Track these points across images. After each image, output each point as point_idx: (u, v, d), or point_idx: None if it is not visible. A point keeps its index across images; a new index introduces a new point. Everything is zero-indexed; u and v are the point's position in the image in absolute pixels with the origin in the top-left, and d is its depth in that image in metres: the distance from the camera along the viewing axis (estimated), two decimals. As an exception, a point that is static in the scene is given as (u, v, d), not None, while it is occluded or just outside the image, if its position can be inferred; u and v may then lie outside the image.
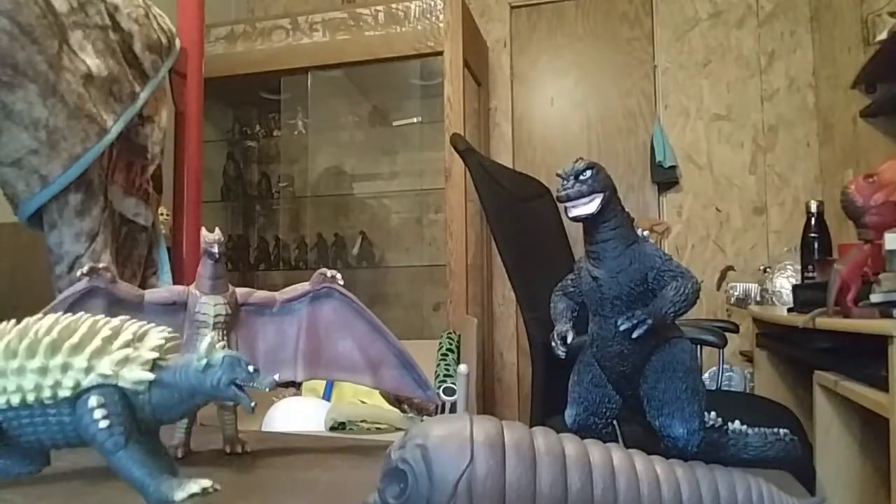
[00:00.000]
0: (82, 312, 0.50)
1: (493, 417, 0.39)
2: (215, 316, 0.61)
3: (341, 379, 0.69)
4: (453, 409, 1.78)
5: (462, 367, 1.78)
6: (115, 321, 0.49)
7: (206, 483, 0.46)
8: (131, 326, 0.49)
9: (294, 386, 1.96)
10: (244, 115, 3.23)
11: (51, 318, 0.48)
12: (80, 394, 0.46)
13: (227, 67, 2.65)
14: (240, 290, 0.65)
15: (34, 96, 1.05)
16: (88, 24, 1.19)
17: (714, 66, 2.84)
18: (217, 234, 0.61)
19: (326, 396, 1.93)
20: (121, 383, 0.46)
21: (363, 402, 1.81)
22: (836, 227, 1.78)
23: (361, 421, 1.67)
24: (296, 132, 2.99)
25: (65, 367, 0.45)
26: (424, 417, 1.49)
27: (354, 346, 0.67)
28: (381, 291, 2.98)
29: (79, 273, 0.59)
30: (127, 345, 0.47)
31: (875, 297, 1.07)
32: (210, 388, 0.46)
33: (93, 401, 0.45)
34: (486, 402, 2.77)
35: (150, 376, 0.46)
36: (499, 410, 2.90)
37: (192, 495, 0.45)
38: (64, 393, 0.45)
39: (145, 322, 0.50)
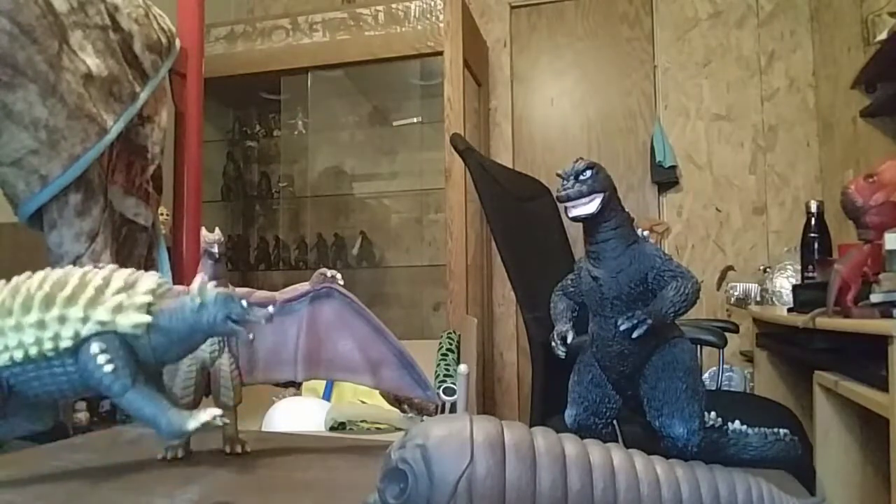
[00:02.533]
0: (70, 266, 0.51)
1: (493, 417, 0.39)
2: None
3: (341, 379, 0.69)
4: (453, 409, 1.78)
5: (462, 367, 1.78)
6: (104, 271, 0.50)
7: (217, 411, 0.48)
8: (121, 273, 0.50)
9: (294, 386, 1.96)
10: (244, 115, 3.23)
11: (40, 274, 0.50)
12: (80, 343, 0.47)
13: (227, 67, 2.65)
14: (240, 290, 0.65)
15: (34, 96, 1.06)
16: (88, 24, 1.19)
17: (714, 66, 2.84)
18: (217, 234, 0.61)
19: (326, 396, 1.93)
20: (119, 329, 0.47)
21: (363, 402, 1.81)
22: (836, 227, 1.78)
23: (361, 421, 1.67)
24: (296, 132, 2.99)
25: (62, 319, 0.47)
26: (424, 417, 1.49)
27: (354, 346, 0.67)
28: (381, 291, 2.98)
29: (79, 273, 0.59)
30: (120, 291, 0.48)
31: (875, 297, 1.07)
32: (206, 325, 0.48)
33: (94, 347, 0.46)
34: (486, 402, 2.77)
35: (147, 318, 0.47)
36: (499, 410, 2.90)
37: (205, 424, 0.47)
38: (65, 343, 0.47)
39: (134, 270, 0.51)
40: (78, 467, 0.56)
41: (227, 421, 0.50)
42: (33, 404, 0.50)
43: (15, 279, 0.50)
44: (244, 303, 0.48)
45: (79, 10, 1.17)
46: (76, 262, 1.10)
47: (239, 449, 0.63)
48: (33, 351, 0.47)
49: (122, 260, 1.28)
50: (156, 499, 0.48)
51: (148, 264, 1.40)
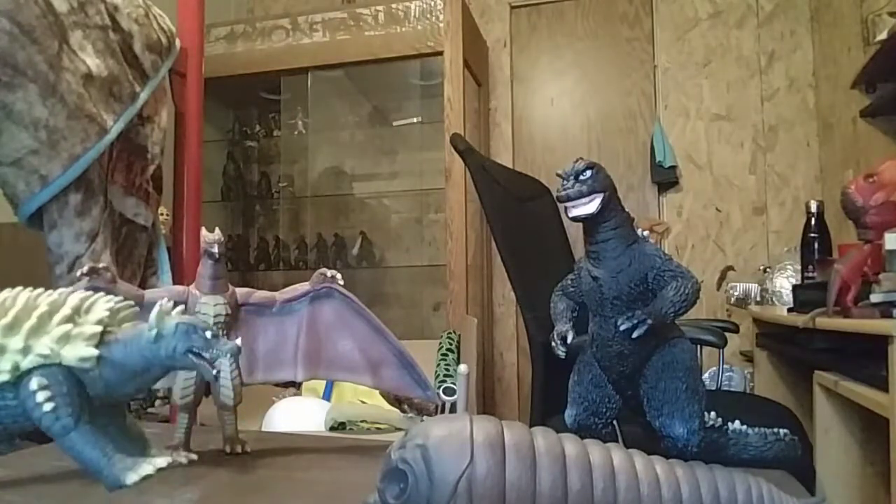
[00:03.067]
0: (20, 287, 0.47)
1: (493, 417, 0.39)
2: (215, 316, 0.60)
3: (341, 379, 0.69)
4: (453, 409, 1.78)
5: (462, 367, 1.77)
6: (55, 294, 0.46)
7: (163, 463, 0.44)
8: (73, 298, 0.46)
9: (294, 386, 1.97)
10: (244, 115, 3.23)
11: None
12: (21, 376, 0.43)
13: (227, 67, 2.65)
14: (240, 290, 0.65)
15: (34, 96, 1.06)
16: (88, 24, 1.19)
17: (714, 66, 2.84)
18: (217, 234, 0.61)
19: (326, 396, 1.93)
20: (64, 362, 0.43)
21: (363, 402, 1.81)
22: (836, 227, 1.78)
23: (361, 421, 1.67)
24: (296, 132, 2.99)
25: (0, 350, 0.43)
26: (424, 417, 1.49)
27: (354, 346, 0.67)
28: (381, 291, 2.98)
29: (79, 273, 0.59)
30: (68, 319, 0.44)
31: (875, 297, 1.07)
32: (165, 358, 0.44)
33: (34, 383, 0.42)
34: (486, 402, 2.77)
35: (94, 352, 0.43)
36: (499, 410, 2.90)
37: (146, 477, 0.43)
38: (2, 377, 0.43)
39: (91, 293, 0.47)
40: (78, 467, 0.56)
41: (183, 461, 0.47)
42: None
43: None
44: (208, 334, 0.44)
45: (79, 10, 1.17)
46: (76, 262, 1.10)
47: (239, 449, 0.63)
48: None
49: (122, 260, 1.28)
50: (156, 499, 0.48)
51: (148, 264, 1.40)
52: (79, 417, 0.43)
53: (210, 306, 0.61)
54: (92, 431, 0.43)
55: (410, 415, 1.69)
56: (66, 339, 0.43)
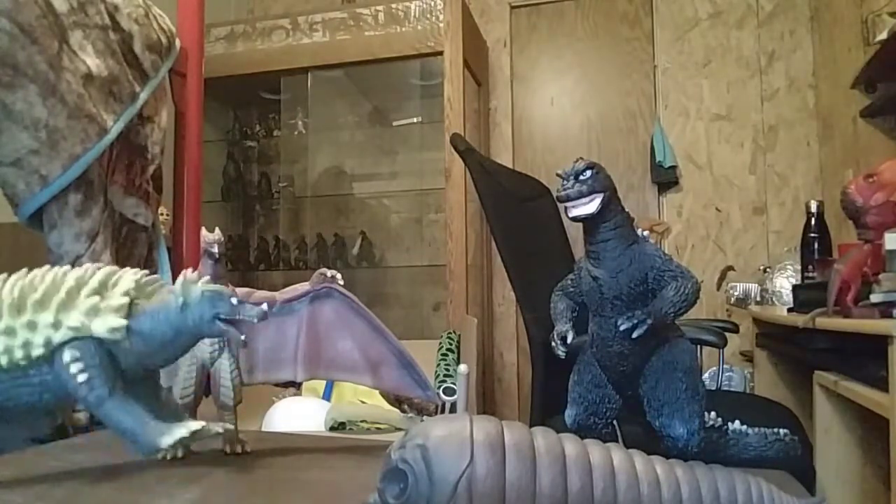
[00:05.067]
0: (47, 266, 0.47)
1: (493, 417, 0.39)
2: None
3: (341, 379, 0.69)
4: (453, 409, 1.78)
5: (462, 367, 1.77)
6: (81, 270, 0.46)
7: (196, 426, 0.45)
8: (99, 273, 0.46)
9: (294, 386, 1.96)
10: (244, 115, 3.23)
11: (14, 276, 0.46)
12: (54, 350, 0.44)
13: (227, 67, 2.65)
14: (240, 290, 0.65)
15: (34, 96, 1.05)
16: (88, 24, 1.19)
17: (714, 66, 2.84)
18: (217, 234, 0.61)
19: (326, 396, 1.93)
20: (95, 333, 0.44)
21: (363, 402, 1.81)
22: (836, 227, 1.78)
23: (361, 421, 1.67)
24: (296, 132, 2.99)
25: (31, 325, 0.44)
26: (424, 417, 1.49)
27: (354, 346, 0.67)
28: (381, 291, 2.98)
29: (79, 273, 0.59)
30: (95, 293, 0.45)
31: (875, 297, 1.07)
32: (192, 326, 0.44)
33: (67, 355, 0.43)
34: (486, 402, 2.77)
35: (123, 322, 0.44)
36: (499, 410, 2.90)
37: (181, 439, 0.44)
38: (37, 351, 0.44)
39: (117, 268, 0.48)
40: (78, 467, 0.56)
41: (220, 430, 0.46)
42: (25, 413, 0.47)
43: None
44: (234, 300, 0.44)
45: (79, 10, 1.17)
46: (76, 262, 1.10)
47: (239, 449, 0.63)
48: (4, 360, 0.44)
49: (122, 260, 1.28)
50: (156, 499, 0.48)
51: (148, 264, 1.40)
52: (112, 387, 0.44)
53: (210, 306, 0.60)
54: (126, 400, 0.44)
55: (410, 415, 1.69)
56: (94, 311, 0.44)
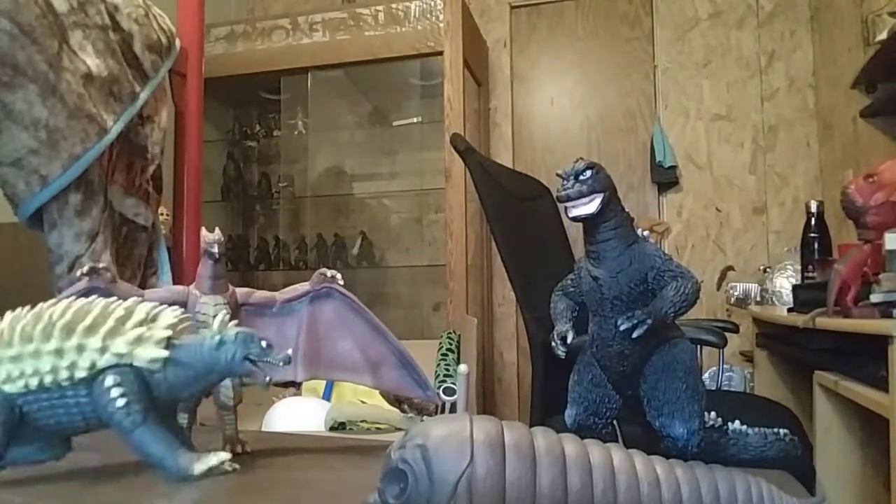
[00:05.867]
0: (95, 296, 0.50)
1: (493, 417, 0.39)
2: (215, 316, 0.60)
3: (341, 379, 0.69)
4: (453, 409, 1.78)
5: (462, 367, 1.77)
6: (128, 302, 0.50)
7: (226, 455, 0.48)
8: (143, 307, 0.50)
9: (294, 386, 1.96)
10: (244, 115, 3.23)
11: (64, 302, 0.49)
12: (96, 374, 0.46)
13: (227, 67, 2.65)
14: (240, 290, 0.65)
15: (34, 96, 1.06)
16: (88, 24, 1.19)
17: (714, 66, 2.84)
18: (217, 234, 0.61)
19: (326, 396, 1.93)
20: (136, 362, 0.46)
21: (363, 402, 1.81)
22: (836, 227, 1.78)
23: (361, 421, 1.67)
24: (296, 132, 2.99)
25: (80, 349, 0.46)
26: (424, 417, 1.49)
27: (354, 346, 0.67)
28: (381, 291, 2.99)
29: (79, 273, 0.59)
30: (140, 324, 0.48)
31: (875, 297, 1.07)
32: (225, 364, 0.47)
33: (109, 380, 0.46)
34: (486, 402, 2.77)
35: (165, 353, 0.47)
36: (499, 410, 2.90)
37: (211, 468, 0.47)
38: (80, 374, 0.46)
39: (158, 304, 0.51)
40: (78, 467, 0.56)
41: (237, 466, 0.50)
42: (46, 434, 0.49)
43: (40, 305, 0.49)
44: (264, 343, 0.48)
45: (79, 10, 1.17)
46: (76, 261, 1.10)
47: (239, 449, 0.63)
48: (48, 379, 0.46)
49: (122, 260, 1.28)
50: (156, 499, 0.48)
51: (148, 264, 1.40)
52: (147, 414, 0.46)
53: (210, 306, 0.61)
54: (159, 427, 0.47)
55: (410, 415, 1.69)
56: (139, 341, 0.47)
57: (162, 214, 1.59)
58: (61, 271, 1.11)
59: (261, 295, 0.66)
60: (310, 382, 1.89)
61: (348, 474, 0.58)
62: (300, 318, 0.66)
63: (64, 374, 0.46)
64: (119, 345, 0.46)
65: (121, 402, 0.45)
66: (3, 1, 1.01)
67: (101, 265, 0.59)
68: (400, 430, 1.61)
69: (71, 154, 1.10)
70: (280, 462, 0.62)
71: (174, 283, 1.41)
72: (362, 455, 0.65)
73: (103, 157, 1.20)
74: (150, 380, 0.47)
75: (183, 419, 0.61)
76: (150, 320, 0.49)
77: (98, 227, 1.17)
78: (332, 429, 1.65)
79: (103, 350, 0.46)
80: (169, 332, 0.48)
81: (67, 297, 0.59)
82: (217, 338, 0.47)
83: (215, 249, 0.60)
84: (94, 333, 0.47)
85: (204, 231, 0.61)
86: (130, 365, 0.46)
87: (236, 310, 0.64)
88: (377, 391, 1.72)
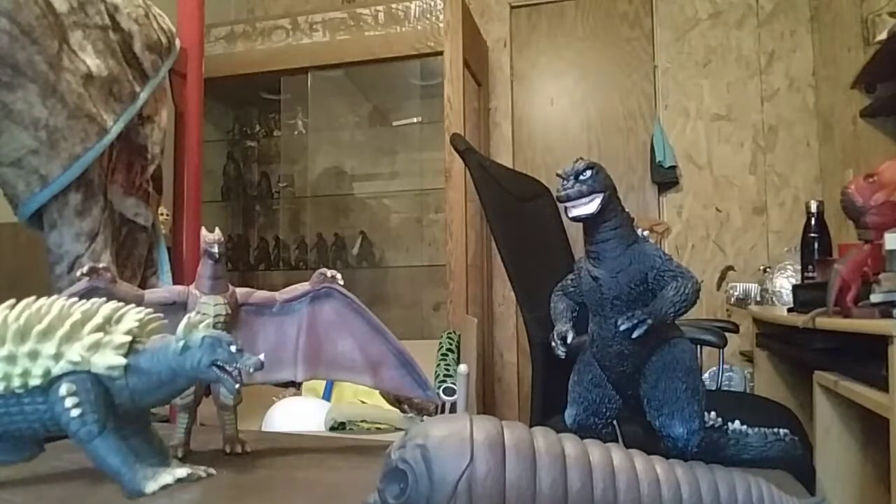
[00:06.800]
0: (56, 296, 0.48)
1: (493, 417, 0.39)
2: (215, 316, 0.61)
3: (341, 379, 0.69)
4: (453, 409, 1.78)
5: (462, 367, 1.78)
6: (88, 304, 0.47)
7: (183, 473, 0.45)
8: (105, 309, 0.47)
9: (294, 386, 1.96)
10: (244, 115, 3.23)
11: (22, 303, 0.47)
12: (51, 381, 0.44)
13: (227, 67, 2.65)
14: (240, 290, 0.65)
15: (34, 96, 1.05)
16: (88, 24, 1.19)
17: (714, 66, 2.84)
18: (217, 234, 0.61)
19: (326, 396, 1.93)
20: (93, 369, 0.44)
21: (363, 402, 1.81)
22: (836, 227, 1.78)
23: (361, 421, 1.67)
24: (296, 132, 2.99)
25: (33, 355, 0.44)
26: (424, 417, 1.49)
27: (354, 346, 0.67)
28: (381, 291, 2.98)
29: (79, 273, 0.59)
30: (99, 329, 0.45)
31: (875, 297, 1.07)
32: (190, 369, 0.45)
33: (63, 389, 0.44)
34: (486, 402, 2.76)
35: (123, 361, 0.44)
36: (499, 410, 2.90)
37: (165, 486, 0.44)
38: (34, 381, 0.44)
39: (122, 304, 0.48)
40: (78, 467, 0.56)
41: (202, 474, 0.47)
42: (15, 440, 0.47)
43: (1, 307, 0.47)
44: (233, 347, 0.45)
45: (79, 10, 1.17)
46: (76, 261, 1.10)
47: (239, 449, 0.63)
48: (1, 387, 0.44)
49: (122, 260, 1.28)
50: (156, 499, 0.48)
51: (148, 264, 1.40)
52: (104, 425, 0.44)
53: (210, 306, 0.61)
54: (115, 439, 0.44)
55: (410, 415, 1.69)
56: (96, 347, 0.44)
57: (162, 214, 1.59)
58: (61, 271, 1.11)
59: (261, 295, 0.66)
60: (310, 382, 1.89)
61: (348, 474, 0.58)
62: (300, 318, 0.66)
63: (17, 382, 0.44)
64: (75, 351, 0.44)
65: (75, 413, 0.43)
66: (3, 1, 1.01)
67: (101, 265, 0.59)
68: (400, 430, 1.61)
69: (71, 154, 1.10)
70: (280, 462, 0.62)
71: (174, 283, 1.41)
72: (362, 455, 0.65)
73: (103, 157, 1.20)
74: (110, 386, 0.45)
75: (183, 419, 0.61)
76: (113, 322, 0.46)
77: (98, 227, 1.16)
78: (332, 429, 1.65)
79: (58, 357, 0.44)
80: (128, 338, 0.45)
81: (67, 297, 0.60)
82: (181, 342, 0.45)
83: (215, 249, 0.60)
84: (49, 339, 0.44)
85: (204, 231, 0.61)
86: (88, 371, 0.44)
87: (236, 310, 0.64)
88: (377, 391, 1.72)
